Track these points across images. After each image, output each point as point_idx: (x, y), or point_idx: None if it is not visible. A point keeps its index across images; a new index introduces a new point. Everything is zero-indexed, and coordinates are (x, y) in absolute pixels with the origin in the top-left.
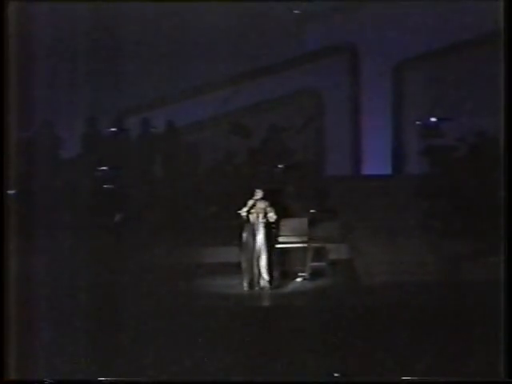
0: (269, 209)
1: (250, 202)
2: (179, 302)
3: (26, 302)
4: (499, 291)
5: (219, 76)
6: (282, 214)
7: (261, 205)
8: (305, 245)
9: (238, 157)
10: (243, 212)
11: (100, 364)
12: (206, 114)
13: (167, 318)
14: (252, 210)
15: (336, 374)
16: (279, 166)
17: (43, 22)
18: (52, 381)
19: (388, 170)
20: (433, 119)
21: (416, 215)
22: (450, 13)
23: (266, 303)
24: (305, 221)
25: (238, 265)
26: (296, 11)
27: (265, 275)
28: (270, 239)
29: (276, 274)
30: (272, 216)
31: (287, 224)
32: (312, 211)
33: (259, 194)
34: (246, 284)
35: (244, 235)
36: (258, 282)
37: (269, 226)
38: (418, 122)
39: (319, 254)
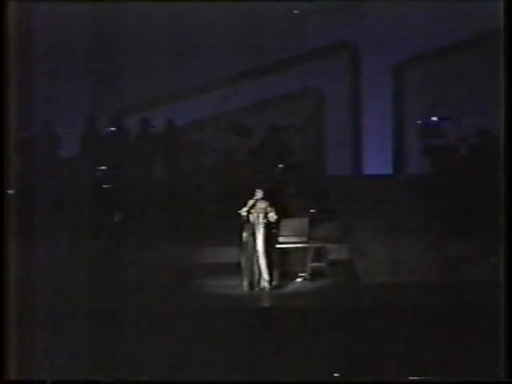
0: (269, 209)
1: (251, 202)
2: (179, 302)
3: (25, 302)
4: (499, 291)
5: (219, 75)
6: (282, 213)
7: (261, 205)
8: (305, 245)
9: (238, 156)
10: (243, 212)
11: (100, 364)
12: (205, 113)
13: (167, 319)
14: (252, 210)
15: (336, 374)
16: (279, 165)
17: (43, 21)
18: (52, 381)
19: (389, 170)
20: (433, 118)
21: (417, 215)
22: (450, 12)
23: (265, 304)
24: (305, 221)
25: (238, 265)
26: (296, 11)
27: (265, 275)
28: (271, 239)
29: (276, 274)
30: (272, 216)
31: (287, 224)
32: (312, 211)
33: (259, 193)
34: (245, 284)
35: (244, 235)
36: (258, 283)
37: (269, 226)
38: (418, 121)
39: (319, 254)
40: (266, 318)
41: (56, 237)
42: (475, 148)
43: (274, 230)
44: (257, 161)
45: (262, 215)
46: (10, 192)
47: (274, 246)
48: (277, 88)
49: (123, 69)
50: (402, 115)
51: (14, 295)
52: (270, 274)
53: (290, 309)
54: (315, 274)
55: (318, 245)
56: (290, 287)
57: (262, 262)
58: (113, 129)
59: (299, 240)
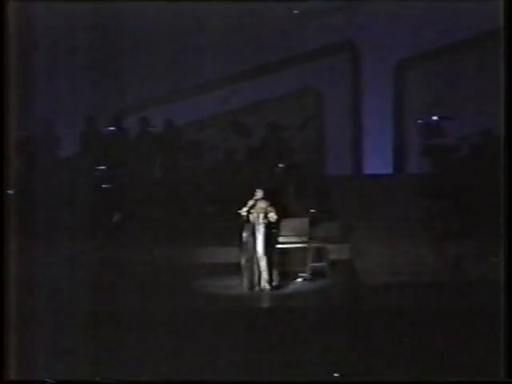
0: (269, 208)
1: (251, 202)
2: (178, 302)
3: (26, 302)
4: (499, 291)
5: (219, 74)
6: (283, 213)
7: (261, 204)
8: (305, 245)
9: (238, 156)
10: (243, 212)
11: (100, 364)
12: (205, 112)
13: (167, 319)
14: (252, 210)
15: (336, 374)
16: (280, 165)
17: (43, 21)
18: (52, 381)
19: (389, 170)
20: (434, 117)
21: (418, 215)
22: (450, 11)
23: (265, 304)
24: (305, 221)
25: (238, 265)
26: (296, 11)
27: (265, 275)
28: (271, 239)
29: (276, 274)
30: (273, 216)
31: (287, 224)
32: (312, 211)
33: (259, 193)
34: (245, 284)
35: (244, 235)
36: (259, 283)
37: (269, 226)
38: (419, 121)
39: (320, 254)
40: (266, 319)
41: (56, 237)
42: (477, 147)
43: (274, 230)
44: (257, 160)
45: (262, 215)
46: (10, 192)
47: (274, 245)
48: (277, 87)
49: (123, 68)
50: (403, 114)
51: (14, 295)
52: (270, 274)
53: (290, 309)
54: (316, 274)
55: (319, 245)
56: (291, 287)
57: (262, 262)
58: (112, 128)
59: (299, 240)
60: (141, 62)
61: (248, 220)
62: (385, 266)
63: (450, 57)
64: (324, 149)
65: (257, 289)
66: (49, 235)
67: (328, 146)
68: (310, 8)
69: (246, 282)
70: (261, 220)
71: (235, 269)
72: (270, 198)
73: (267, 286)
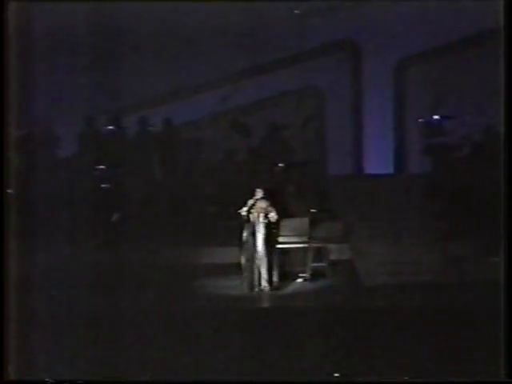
0: (270, 208)
1: (251, 202)
2: (176, 303)
3: (26, 302)
4: (499, 291)
5: (218, 73)
6: (283, 213)
7: (261, 204)
8: (305, 245)
9: (238, 155)
10: (243, 211)
11: (99, 364)
12: (205, 112)
13: (167, 320)
14: (252, 210)
15: (336, 374)
16: (280, 164)
17: (43, 21)
18: (52, 381)
19: (390, 169)
20: (435, 117)
21: (418, 215)
22: (451, 10)
23: (265, 304)
24: (306, 221)
25: (238, 265)
26: (296, 11)
27: (265, 276)
28: (271, 239)
29: (276, 274)
30: (273, 216)
31: (288, 224)
32: (313, 211)
33: (260, 193)
34: (245, 285)
35: (244, 235)
36: (259, 283)
37: (269, 226)
38: (420, 120)
39: (320, 254)
40: (265, 320)
41: (54, 236)
42: (479, 146)
43: (274, 230)
44: (257, 160)
45: (262, 215)
46: (10, 192)
47: (274, 245)
48: (277, 86)
49: (123, 67)
50: (404, 114)
51: (14, 295)
52: (270, 274)
53: (290, 310)
54: (316, 275)
55: (319, 245)
56: (291, 288)
57: (262, 262)
58: (111, 128)
59: (300, 240)
60: (140, 61)
61: (248, 220)
62: (386, 266)
63: (451, 56)
64: (324, 148)
65: (256, 289)
66: (47, 235)
67: (328, 145)
68: (309, 7)
69: (245, 282)
70: (261, 220)
71: (235, 269)
72: (270, 197)
73: (267, 287)
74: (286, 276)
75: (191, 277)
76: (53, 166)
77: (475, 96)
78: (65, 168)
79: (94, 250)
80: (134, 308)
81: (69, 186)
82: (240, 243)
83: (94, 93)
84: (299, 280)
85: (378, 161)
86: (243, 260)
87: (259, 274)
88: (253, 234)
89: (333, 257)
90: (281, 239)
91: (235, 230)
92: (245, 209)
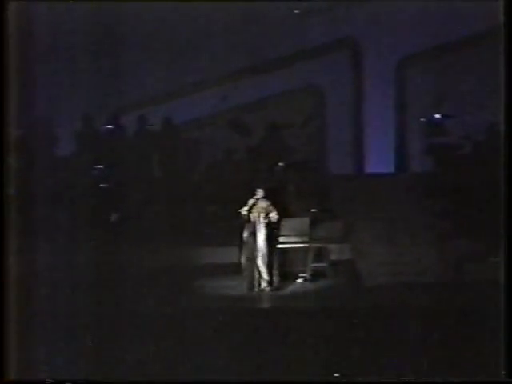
0: (271, 208)
1: (251, 201)
2: (175, 303)
3: (26, 301)
4: (499, 291)
5: (218, 72)
6: (283, 213)
7: (262, 204)
8: (306, 245)
9: (238, 155)
10: (244, 211)
11: (100, 365)
12: (205, 111)
13: (163, 319)
14: (253, 210)
15: (336, 374)
16: (280, 164)
17: (43, 21)
18: (52, 381)
19: (391, 169)
20: (437, 116)
21: (419, 215)
22: (451, 9)
23: (265, 305)
24: (306, 220)
25: (238, 265)
26: (296, 11)
27: (265, 276)
28: (271, 239)
29: (276, 274)
30: (274, 216)
31: (288, 224)
32: (313, 210)
33: (260, 193)
34: (245, 285)
35: (244, 235)
36: (259, 283)
37: (270, 226)
38: (422, 119)
39: (320, 254)
40: (265, 320)
41: (55, 236)
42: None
43: (274, 230)
44: (257, 159)
45: (262, 215)
46: (11, 192)
47: (274, 246)
48: (277, 85)
49: (123, 67)
50: (405, 113)
51: (14, 295)
52: (271, 274)
53: (290, 311)
54: (316, 275)
55: (319, 245)
56: (291, 288)
57: (263, 262)
58: (110, 127)
59: (300, 240)
60: (140, 60)
61: (249, 219)
62: (386, 266)
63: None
64: (325, 147)
65: (256, 290)
66: (46, 234)
67: (329, 144)
68: (310, 6)
69: (245, 282)
70: (261, 220)
71: (235, 269)
72: (271, 197)
73: (267, 287)
74: (287, 276)
75: (191, 277)
76: (52, 166)
77: (476, 95)
78: (63, 167)
79: (94, 249)
80: (133, 308)
81: (68, 185)
82: (240, 243)
83: (94, 92)
84: (299, 280)
85: (378, 160)
86: (243, 260)
87: (259, 274)
88: (253, 234)
89: (333, 257)
90: (281, 239)
91: (235, 229)
92: (245, 208)
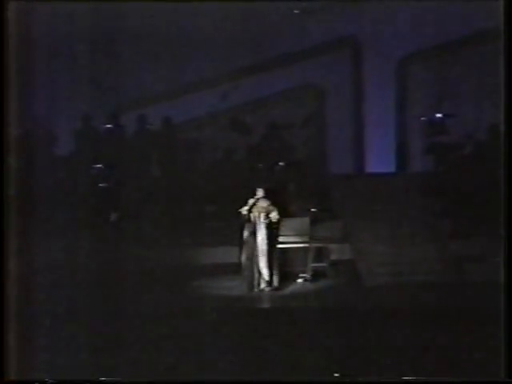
0: (271, 208)
1: (251, 201)
2: (175, 303)
3: (26, 301)
4: (500, 291)
5: (218, 71)
6: (283, 213)
7: (262, 204)
8: (306, 245)
9: (238, 154)
10: (244, 211)
11: (100, 364)
12: (204, 110)
13: (163, 319)
14: (253, 209)
15: (336, 374)
16: (280, 163)
17: (43, 22)
18: (52, 381)
19: (391, 168)
20: (438, 115)
21: (419, 214)
22: (452, 9)
23: (265, 305)
24: (306, 220)
25: (238, 265)
26: (296, 11)
27: (265, 276)
28: (271, 239)
29: (277, 274)
30: (275, 216)
31: (288, 223)
32: (313, 210)
33: (260, 192)
34: (245, 285)
35: (245, 235)
36: (259, 283)
37: (270, 226)
38: (422, 118)
39: (321, 254)
40: (265, 321)
41: (54, 236)
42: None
43: (275, 230)
44: (257, 159)
45: (263, 214)
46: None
47: (274, 245)
48: (277, 84)
49: (123, 67)
50: (405, 112)
51: (14, 295)
52: (271, 274)
53: (290, 310)
54: (316, 275)
55: (320, 244)
56: (291, 288)
57: (263, 262)
58: (109, 126)
59: (300, 240)
60: (140, 60)
61: (249, 219)
62: (387, 266)
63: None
64: (325, 146)
65: (256, 289)
66: (46, 234)
67: (329, 143)
68: (310, 6)
69: (245, 282)
70: (262, 219)
71: (235, 269)
72: (271, 197)
73: (267, 287)
74: (287, 276)
75: (190, 277)
76: (52, 165)
77: (476, 94)
78: (63, 166)
79: (93, 249)
80: (133, 308)
81: (68, 185)
82: (240, 243)
83: (94, 92)
84: (300, 280)
85: (379, 159)
86: (243, 260)
87: (259, 274)
88: (253, 234)
89: (334, 257)
90: (281, 239)
91: (235, 229)
92: (245, 208)
